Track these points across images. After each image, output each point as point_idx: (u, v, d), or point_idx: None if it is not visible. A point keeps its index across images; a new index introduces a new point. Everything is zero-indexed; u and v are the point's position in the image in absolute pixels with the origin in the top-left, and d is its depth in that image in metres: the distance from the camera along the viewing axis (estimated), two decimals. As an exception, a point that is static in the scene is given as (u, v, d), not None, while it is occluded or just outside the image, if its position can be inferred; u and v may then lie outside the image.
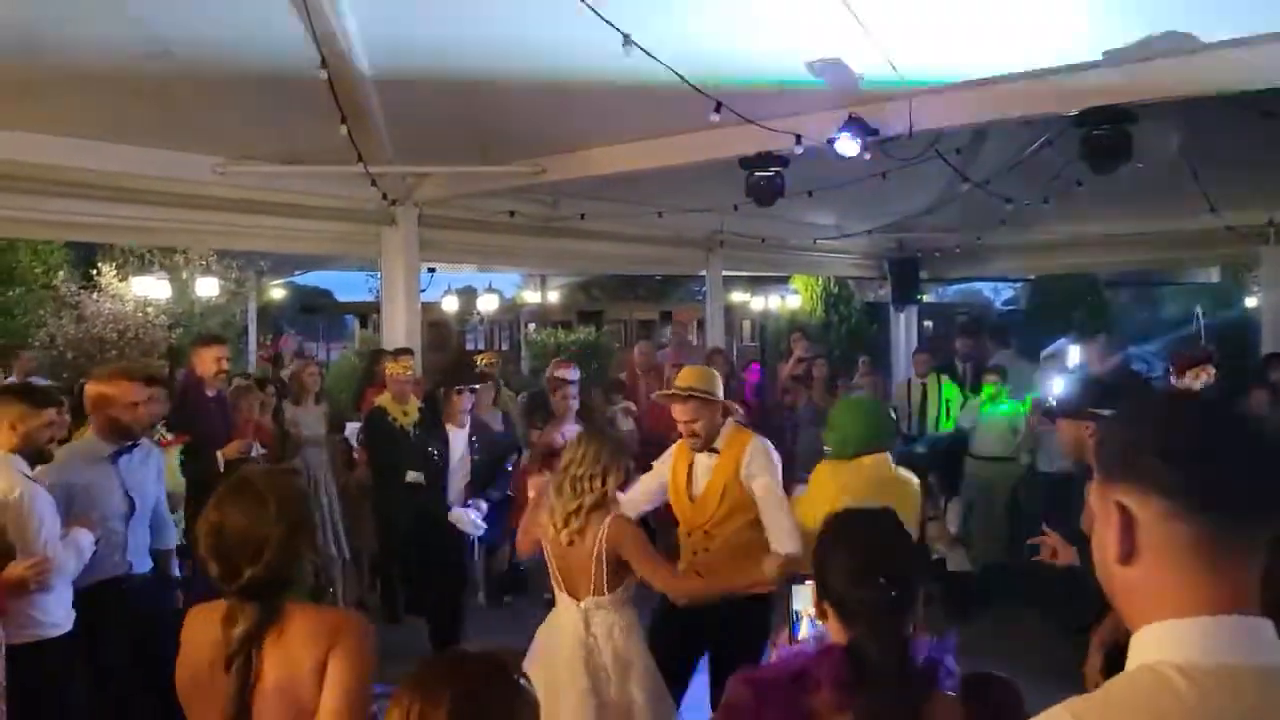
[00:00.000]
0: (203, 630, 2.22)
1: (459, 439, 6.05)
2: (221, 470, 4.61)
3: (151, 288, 11.16)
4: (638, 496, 4.23)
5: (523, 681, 1.78)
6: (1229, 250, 11.14)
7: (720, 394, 4.24)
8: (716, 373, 4.40)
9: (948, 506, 7.45)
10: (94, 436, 4.10)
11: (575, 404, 7.12)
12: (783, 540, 3.88)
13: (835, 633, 2.05)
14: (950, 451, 8.19)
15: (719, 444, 4.16)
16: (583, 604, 3.59)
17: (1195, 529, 1.12)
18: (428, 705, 1.66)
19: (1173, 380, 5.60)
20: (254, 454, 4.85)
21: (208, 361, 5.57)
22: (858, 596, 2.00)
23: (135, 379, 4.11)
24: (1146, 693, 1.09)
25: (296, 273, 15.65)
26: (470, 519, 5.95)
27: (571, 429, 6.70)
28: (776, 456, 4.17)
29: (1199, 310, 17.46)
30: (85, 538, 3.77)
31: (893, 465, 4.13)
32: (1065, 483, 7.17)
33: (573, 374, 7.31)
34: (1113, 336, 11.66)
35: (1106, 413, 3.67)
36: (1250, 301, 19.78)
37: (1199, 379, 5.27)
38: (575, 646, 3.56)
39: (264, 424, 5.91)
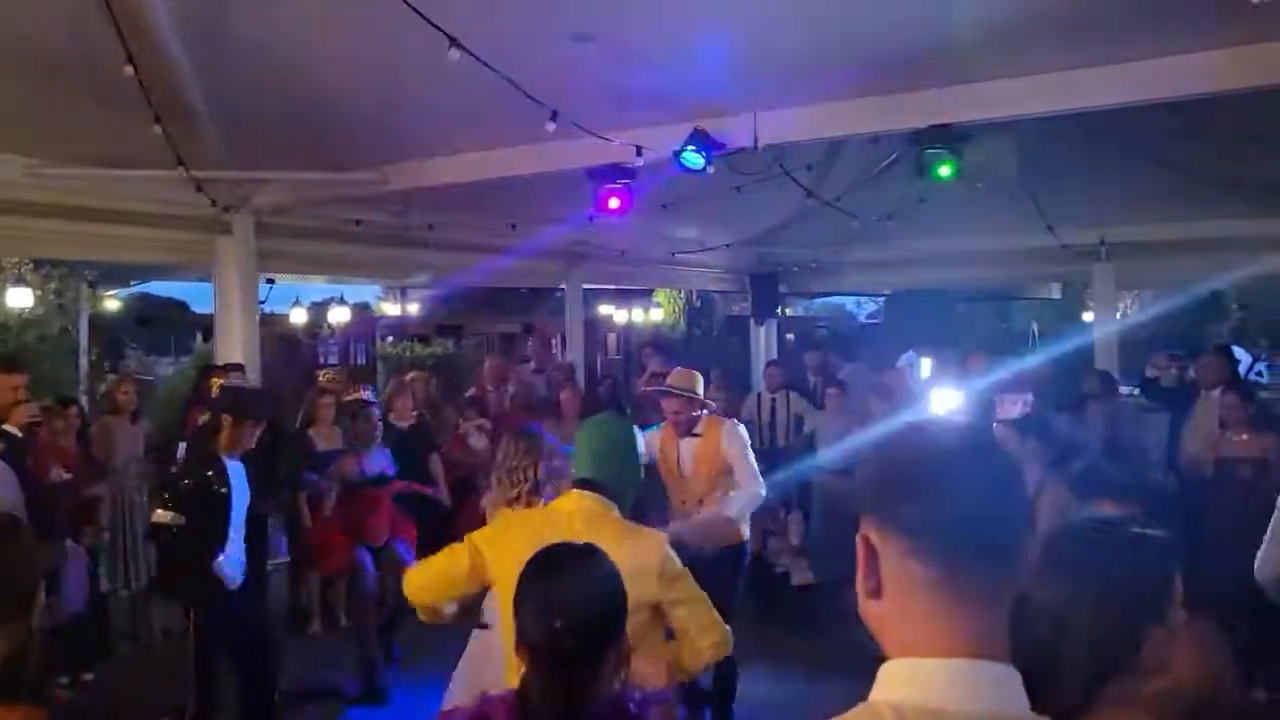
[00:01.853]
0: None
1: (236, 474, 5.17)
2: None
3: None
4: None
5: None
6: (1066, 268, 11.60)
7: (700, 392, 5.38)
8: (699, 375, 5.52)
9: (789, 519, 7.48)
10: None
11: (378, 428, 6.58)
12: (749, 481, 5.19)
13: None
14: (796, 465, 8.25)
15: (700, 429, 5.35)
16: None
17: (930, 570, 1.12)
18: None
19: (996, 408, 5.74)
20: (55, 479, 4.45)
21: (3, 390, 4.94)
22: (534, 641, 1.92)
23: None
24: None
25: (133, 282, 14.85)
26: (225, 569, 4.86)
27: (381, 456, 6.44)
28: (744, 430, 5.44)
29: (1034, 326, 18.25)
30: None
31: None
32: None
33: (370, 394, 6.98)
34: (963, 350, 12.05)
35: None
36: (1088, 316, 20.84)
37: (1016, 406, 5.41)
38: None
39: (66, 447, 5.47)
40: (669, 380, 5.47)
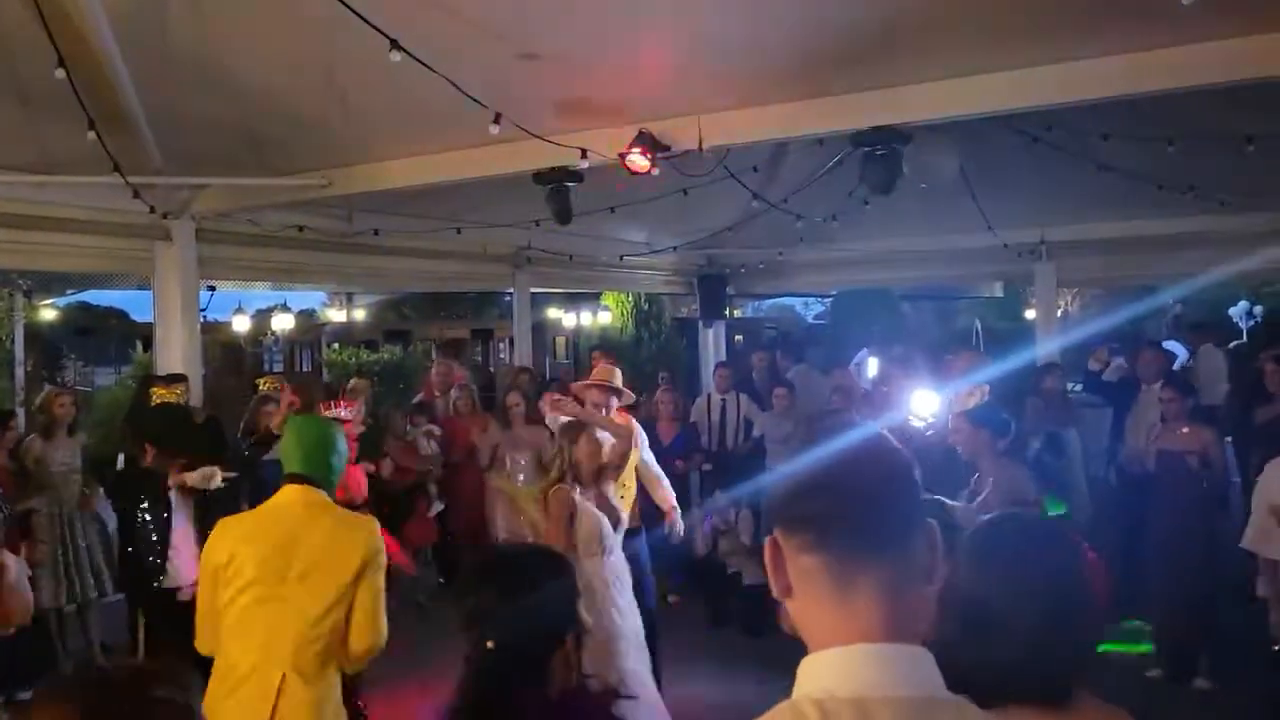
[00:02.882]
0: None
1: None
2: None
3: None
4: None
5: (161, 693, 1.55)
6: (1007, 267, 11.78)
7: (618, 383, 6.19)
8: (617, 369, 6.36)
9: (739, 519, 7.51)
10: None
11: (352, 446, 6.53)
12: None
13: None
14: (745, 465, 8.29)
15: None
16: None
17: (823, 558, 1.20)
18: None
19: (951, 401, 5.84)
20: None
21: None
22: (466, 651, 2.00)
23: None
24: None
25: (70, 291, 14.54)
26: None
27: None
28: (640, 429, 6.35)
29: (978, 324, 18.57)
30: None
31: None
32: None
33: (346, 412, 6.77)
34: (909, 348, 12.18)
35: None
36: (1029, 314, 21.21)
37: (974, 396, 5.50)
38: None
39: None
40: (592, 376, 6.39)
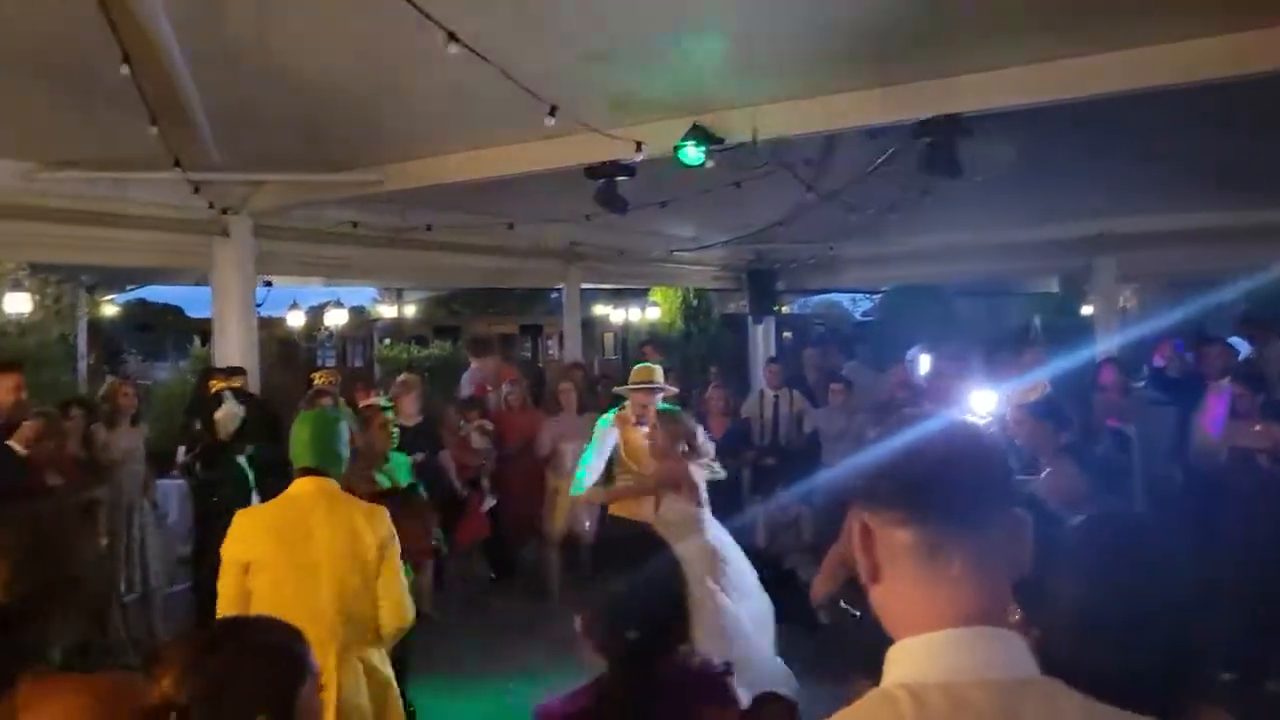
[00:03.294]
0: None
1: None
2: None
3: None
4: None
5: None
6: (1065, 261, 11.58)
7: (660, 380, 6.47)
8: (658, 367, 6.62)
9: (799, 516, 7.44)
10: None
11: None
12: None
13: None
14: (803, 462, 8.21)
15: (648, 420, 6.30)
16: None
17: (912, 535, 1.18)
18: None
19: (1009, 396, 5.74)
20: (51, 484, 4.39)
21: (2, 390, 5.01)
22: (603, 641, 2.21)
23: None
24: (871, 715, 1.12)
25: (130, 287, 14.79)
26: None
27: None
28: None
29: (1037, 320, 18.21)
30: None
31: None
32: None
33: (384, 401, 6.69)
34: (963, 345, 12.01)
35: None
36: (1086, 309, 20.79)
37: (1034, 392, 5.41)
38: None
39: (66, 453, 5.41)
40: (633, 374, 6.57)
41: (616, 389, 7.07)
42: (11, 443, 4.16)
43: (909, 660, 1.15)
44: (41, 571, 1.88)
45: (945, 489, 1.18)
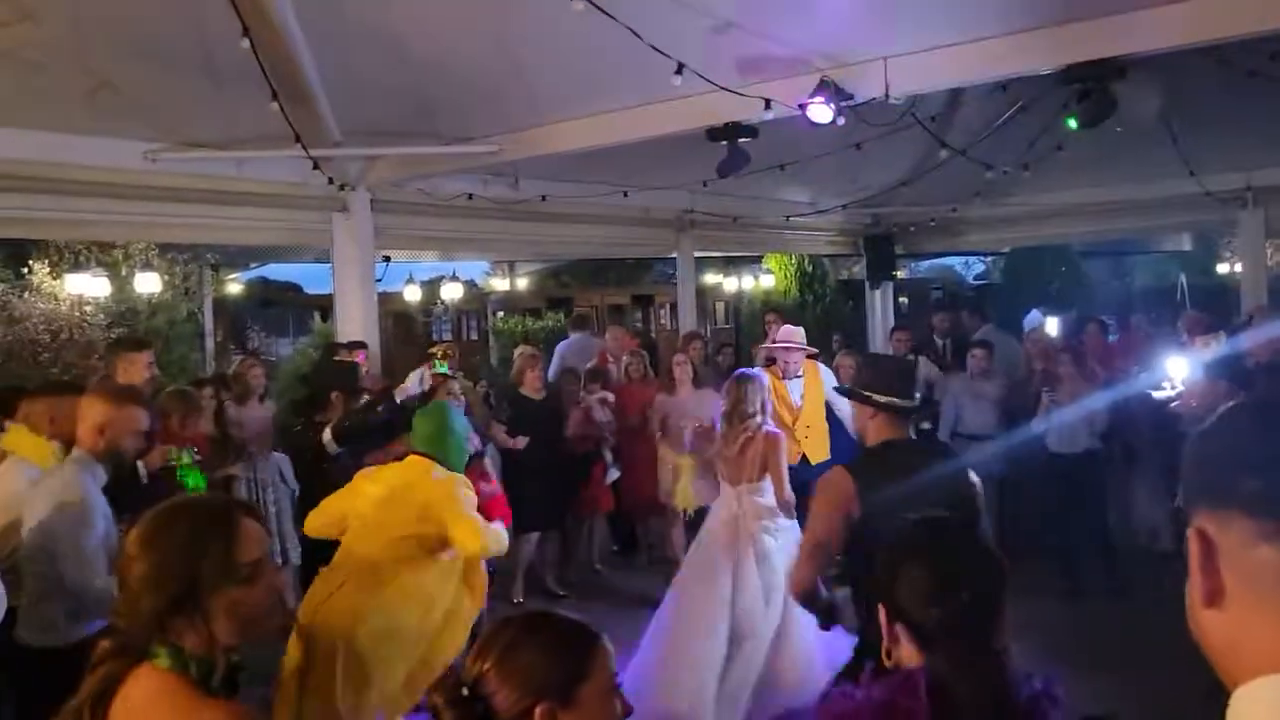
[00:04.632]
0: None
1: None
2: (145, 482, 4.20)
3: (88, 285, 10.50)
4: None
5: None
6: (1206, 216, 10.88)
7: (802, 341, 7.32)
8: (800, 329, 7.50)
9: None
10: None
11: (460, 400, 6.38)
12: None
13: (911, 658, 1.85)
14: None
15: (800, 372, 7.27)
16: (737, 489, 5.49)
17: None
18: None
19: (1186, 345, 5.32)
20: (187, 459, 4.41)
21: (136, 367, 5.08)
22: (935, 616, 1.82)
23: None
24: None
25: (252, 265, 15.15)
26: None
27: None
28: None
29: (1183, 278, 17.25)
30: None
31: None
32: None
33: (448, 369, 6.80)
34: (1088, 306, 11.45)
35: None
36: (1222, 268, 19.69)
37: (1209, 345, 5.00)
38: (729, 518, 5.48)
39: (199, 429, 5.48)
40: (780, 336, 7.39)
41: (765, 347, 7.88)
42: (140, 465, 4.20)
43: (1272, 704, 0.90)
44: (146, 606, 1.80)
45: None
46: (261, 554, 1.87)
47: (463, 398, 6.26)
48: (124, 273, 11.04)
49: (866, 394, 3.37)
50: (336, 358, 6.70)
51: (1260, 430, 0.97)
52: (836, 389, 6.05)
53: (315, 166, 6.35)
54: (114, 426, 3.55)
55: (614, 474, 7.66)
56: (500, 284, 19.17)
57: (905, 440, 3.36)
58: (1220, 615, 0.94)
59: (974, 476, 3.35)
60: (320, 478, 5.40)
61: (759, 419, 5.50)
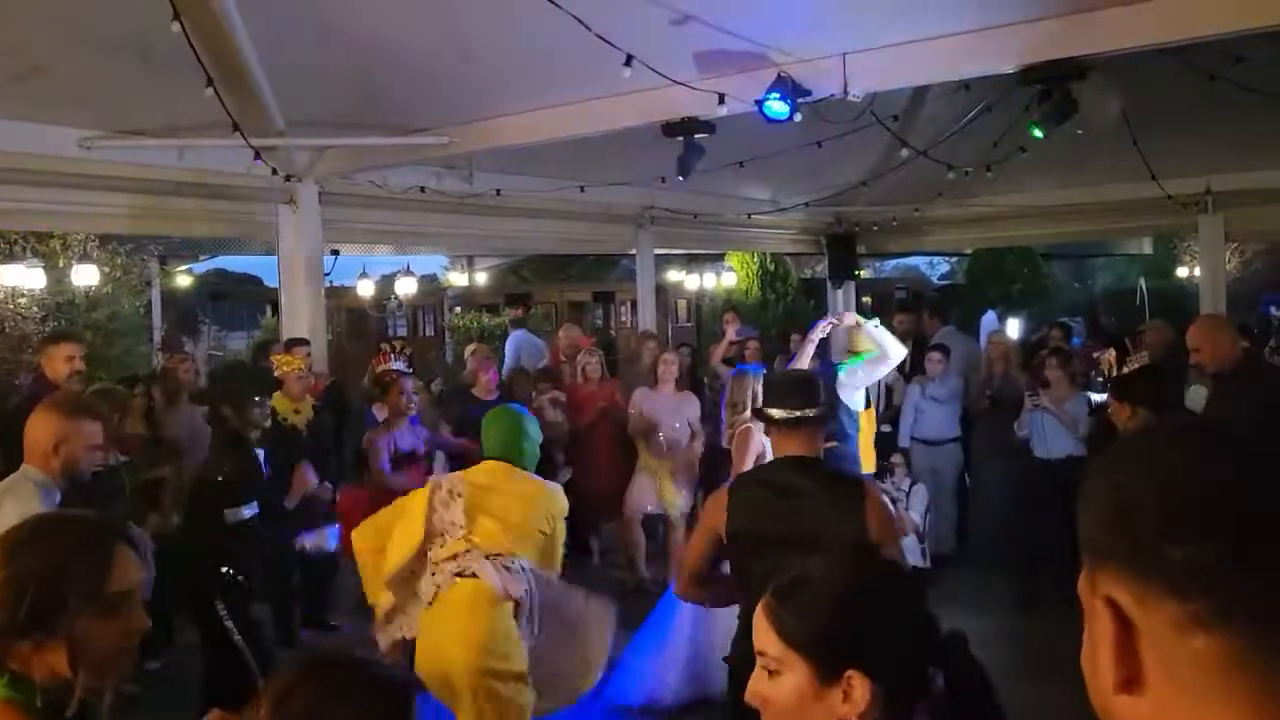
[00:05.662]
0: None
1: None
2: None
3: (22, 277, 10.06)
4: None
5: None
6: (1166, 219, 10.89)
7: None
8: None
9: (912, 491, 7.08)
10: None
11: (412, 401, 6.36)
12: None
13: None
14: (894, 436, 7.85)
15: None
16: None
17: (1228, 645, 0.68)
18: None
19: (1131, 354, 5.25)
20: (111, 462, 4.21)
21: (58, 361, 4.87)
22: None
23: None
24: None
25: (203, 257, 14.81)
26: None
27: (419, 432, 6.24)
28: None
29: (1142, 282, 17.34)
30: None
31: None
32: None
33: (403, 364, 6.59)
34: (1048, 308, 11.43)
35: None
36: (1182, 271, 19.82)
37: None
38: None
39: (130, 431, 5.26)
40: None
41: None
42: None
43: None
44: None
45: None
46: (132, 588, 1.68)
47: (416, 398, 6.12)
48: (61, 264, 10.68)
49: (761, 410, 3.45)
50: (267, 359, 6.46)
51: (1198, 474, 0.72)
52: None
53: (257, 156, 6.13)
54: (69, 443, 3.14)
55: (564, 475, 7.50)
56: (458, 279, 18.93)
57: (801, 458, 3.24)
58: (1139, 703, 0.73)
59: (883, 498, 3.31)
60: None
61: (746, 414, 5.44)
